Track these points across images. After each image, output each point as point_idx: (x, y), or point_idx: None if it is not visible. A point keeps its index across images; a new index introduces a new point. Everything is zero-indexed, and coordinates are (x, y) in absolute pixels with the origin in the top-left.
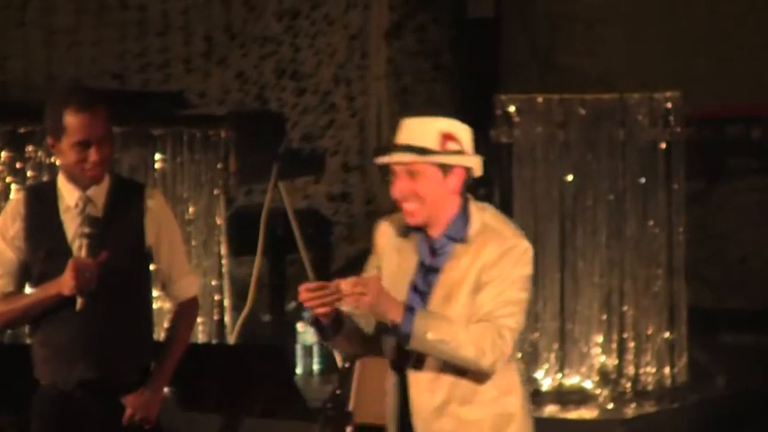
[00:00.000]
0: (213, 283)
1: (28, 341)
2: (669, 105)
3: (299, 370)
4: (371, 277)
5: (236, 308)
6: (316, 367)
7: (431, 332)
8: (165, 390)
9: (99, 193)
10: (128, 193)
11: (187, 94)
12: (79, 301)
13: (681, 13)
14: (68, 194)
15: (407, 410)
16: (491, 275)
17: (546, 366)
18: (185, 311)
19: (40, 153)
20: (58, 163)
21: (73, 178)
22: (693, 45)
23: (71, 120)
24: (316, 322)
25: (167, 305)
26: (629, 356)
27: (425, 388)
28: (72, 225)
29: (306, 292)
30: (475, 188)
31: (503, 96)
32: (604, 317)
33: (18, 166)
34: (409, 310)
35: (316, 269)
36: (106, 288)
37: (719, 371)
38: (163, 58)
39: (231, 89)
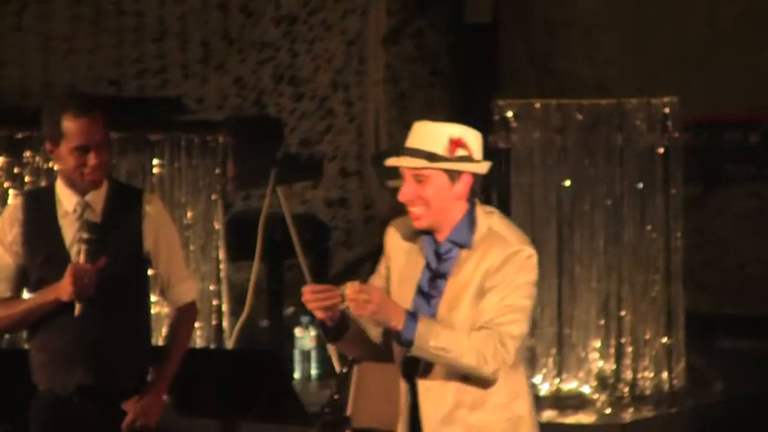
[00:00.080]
0: (211, 287)
1: (26, 346)
2: (667, 111)
3: (296, 375)
4: (376, 287)
5: (234, 313)
6: (313, 372)
7: (432, 340)
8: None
9: (97, 198)
10: (126, 198)
11: (185, 99)
12: (77, 307)
13: (678, 18)
14: (66, 200)
15: (417, 417)
16: (494, 281)
17: (544, 371)
18: (184, 316)
19: (37, 158)
20: (56, 168)
21: (71, 183)
22: (691, 51)
23: (70, 125)
24: (322, 324)
25: (165, 310)
26: (627, 361)
27: (434, 395)
28: (70, 230)
29: (309, 293)
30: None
31: (500, 101)
32: (602, 322)
33: (16, 171)
34: (412, 317)
35: (314, 274)
36: (104, 293)
37: (717, 376)
38: (160, 64)
39: (229, 94)
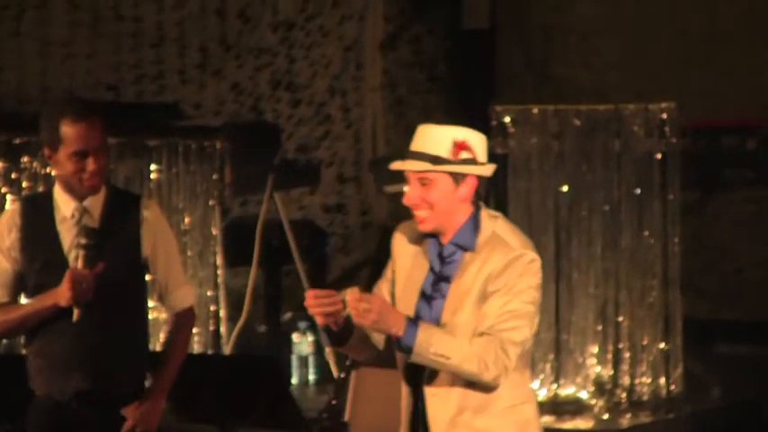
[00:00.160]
0: (209, 293)
1: (23, 351)
2: (664, 116)
3: (294, 380)
4: (375, 295)
5: (232, 318)
6: (311, 378)
7: (433, 347)
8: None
9: (95, 203)
10: (124, 203)
11: (182, 105)
12: (76, 312)
13: (676, 24)
14: (64, 205)
15: (420, 422)
16: (496, 285)
17: (541, 377)
18: (182, 322)
19: (35, 164)
20: (54, 173)
21: (69, 189)
22: (688, 56)
23: (68, 130)
24: (327, 329)
25: (163, 316)
26: (625, 367)
27: (439, 399)
28: (68, 236)
29: (311, 298)
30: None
31: (498, 107)
32: (600, 327)
33: (13, 176)
34: (412, 323)
35: (311, 280)
36: (102, 299)
37: (715, 382)
38: (158, 70)
39: (226, 100)
